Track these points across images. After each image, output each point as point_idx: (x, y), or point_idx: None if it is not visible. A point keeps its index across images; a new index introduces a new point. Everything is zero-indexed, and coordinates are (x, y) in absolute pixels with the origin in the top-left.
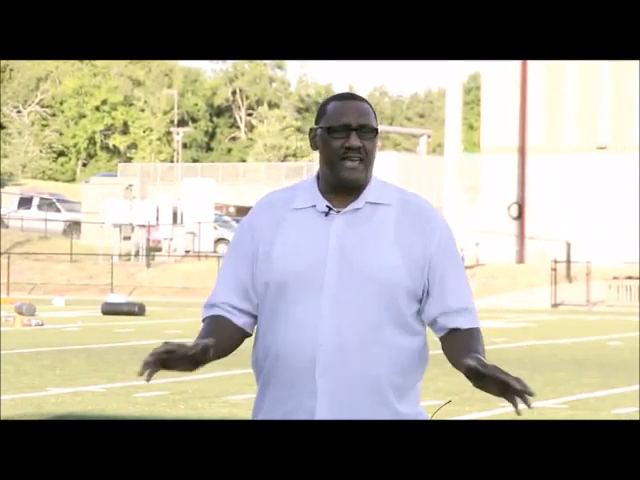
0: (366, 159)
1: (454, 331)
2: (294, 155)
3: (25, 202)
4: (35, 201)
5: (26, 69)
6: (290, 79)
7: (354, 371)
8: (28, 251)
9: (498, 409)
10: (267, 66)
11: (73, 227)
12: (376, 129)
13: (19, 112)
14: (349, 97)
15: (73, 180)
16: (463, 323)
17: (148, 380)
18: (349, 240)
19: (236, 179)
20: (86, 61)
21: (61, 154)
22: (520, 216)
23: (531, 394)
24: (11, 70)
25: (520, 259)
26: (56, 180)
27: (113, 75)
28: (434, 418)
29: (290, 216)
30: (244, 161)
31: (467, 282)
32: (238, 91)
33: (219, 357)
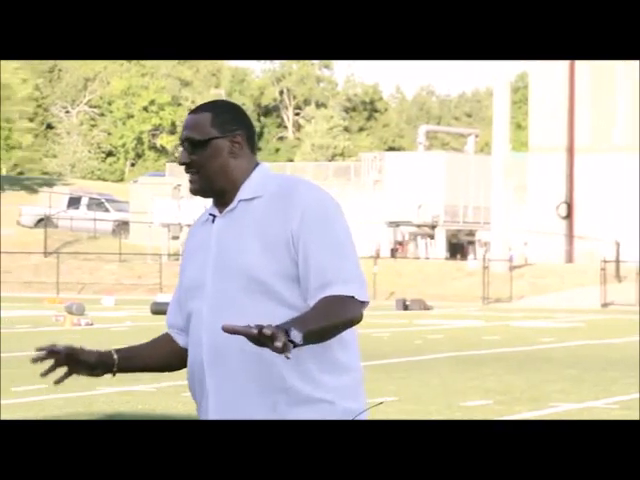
0: (200, 171)
1: None
2: (342, 154)
3: (74, 202)
4: (84, 201)
5: (74, 69)
6: (337, 79)
7: (233, 367)
8: (77, 251)
9: (548, 409)
10: (314, 66)
11: (122, 227)
12: (201, 140)
13: (68, 112)
14: (191, 111)
15: (121, 180)
16: (315, 300)
17: (57, 382)
18: (222, 239)
19: None
20: (134, 61)
21: (109, 154)
22: (569, 215)
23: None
24: (60, 70)
25: (569, 259)
26: (105, 180)
27: (161, 75)
28: (365, 414)
29: (196, 231)
30: (291, 161)
31: (342, 256)
32: (285, 91)
33: (149, 368)
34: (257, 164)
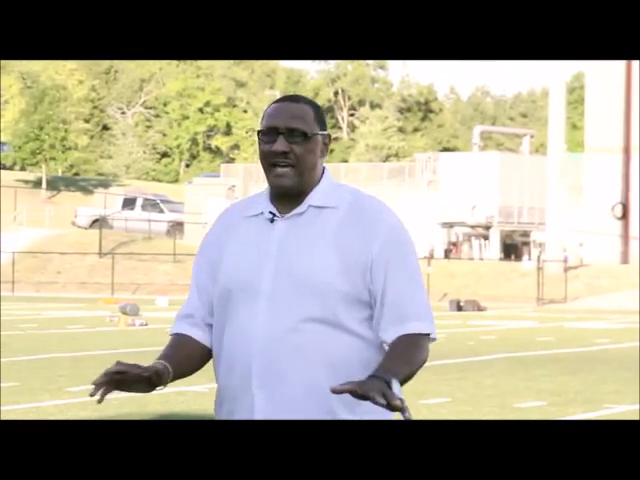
0: (298, 165)
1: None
2: (396, 155)
3: (129, 203)
4: (139, 202)
5: (130, 71)
6: (392, 79)
7: (289, 380)
8: (132, 251)
9: (602, 410)
10: (369, 66)
11: (176, 227)
12: (307, 133)
13: (123, 113)
14: (287, 99)
15: (176, 181)
16: (392, 334)
17: (100, 401)
18: (287, 245)
19: (338, 179)
20: (189, 63)
21: (164, 155)
22: (624, 216)
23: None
24: (115, 72)
25: (624, 259)
26: (159, 181)
27: (216, 77)
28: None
29: (241, 224)
30: (346, 161)
31: (417, 289)
32: (340, 91)
33: (183, 376)
34: (324, 168)
